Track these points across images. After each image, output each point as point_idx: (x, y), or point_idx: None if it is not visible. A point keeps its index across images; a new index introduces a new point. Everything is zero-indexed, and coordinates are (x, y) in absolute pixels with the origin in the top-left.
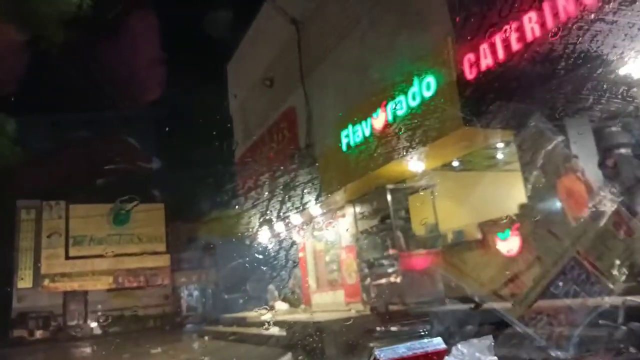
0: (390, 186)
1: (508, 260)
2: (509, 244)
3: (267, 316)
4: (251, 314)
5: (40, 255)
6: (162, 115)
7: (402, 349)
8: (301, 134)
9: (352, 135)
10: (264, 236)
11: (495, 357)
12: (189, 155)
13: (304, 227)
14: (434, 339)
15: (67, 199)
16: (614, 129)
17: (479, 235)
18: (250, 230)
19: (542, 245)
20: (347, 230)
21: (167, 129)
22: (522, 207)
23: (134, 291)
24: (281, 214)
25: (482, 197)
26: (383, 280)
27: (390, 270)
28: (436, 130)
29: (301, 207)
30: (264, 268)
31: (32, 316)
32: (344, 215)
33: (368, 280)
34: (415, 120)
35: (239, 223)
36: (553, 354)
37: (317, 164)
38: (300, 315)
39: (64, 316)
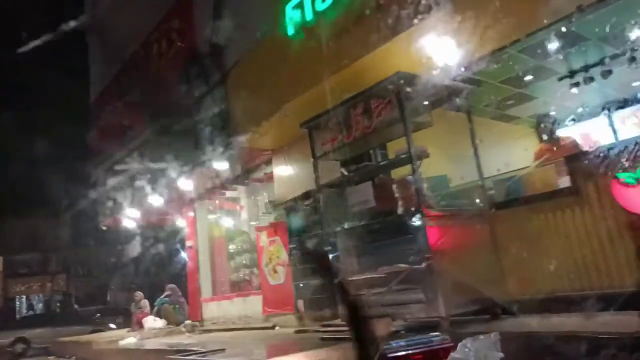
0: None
1: None
2: None
3: (127, 340)
4: (106, 336)
5: None
6: None
7: (409, 343)
8: (201, 35)
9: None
10: (132, 220)
11: (501, 354)
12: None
13: (197, 200)
14: (440, 334)
15: None
16: None
17: (559, 182)
18: (113, 213)
19: None
20: (267, 201)
21: None
22: None
23: None
24: (158, 181)
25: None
26: (356, 277)
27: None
28: None
29: (191, 166)
30: (132, 268)
31: None
32: (265, 177)
33: (308, 277)
34: None
35: (100, 207)
36: None
37: (226, 82)
38: (181, 339)
39: None
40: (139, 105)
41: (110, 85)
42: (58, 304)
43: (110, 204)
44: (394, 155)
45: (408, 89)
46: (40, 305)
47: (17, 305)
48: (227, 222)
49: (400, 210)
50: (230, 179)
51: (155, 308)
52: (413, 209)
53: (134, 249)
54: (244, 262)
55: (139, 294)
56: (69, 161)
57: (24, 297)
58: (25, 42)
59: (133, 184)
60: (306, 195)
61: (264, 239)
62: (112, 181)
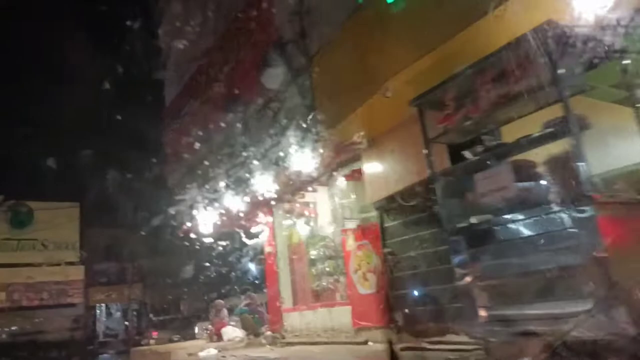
0: None
1: None
2: None
3: (207, 352)
4: (185, 346)
5: None
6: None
7: None
8: (282, 17)
9: None
10: (207, 226)
11: None
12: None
13: (276, 204)
14: None
15: None
16: None
17: None
18: (189, 220)
19: None
20: (351, 198)
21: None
22: None
23: (34, 311)
24: (236, 185)
25: None
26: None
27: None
28: None
29: (271, 166)
30: (208, 275)
31: None
32: (352, 175)
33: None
34: None
35: (176, 215)
36: None
37: (311, 68)
38: (264, 353)
39: None
40: (216, 104)
41: (186, 88)
42: (134, 313)
43: (186, 211)
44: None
45: (561, 44)
46: (118, 314)
47: (98, 313)
48: (307, 227)
49: (554, 197)
50: (313, 178)
51: (234, 317)
52: (573, 194)
53: (210, 257)
54: (327, 269)
55: (219, 303)
56: (146, 170)
57: (104, 305)
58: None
59: (210, 189)
60: (408, 190)
61: (350, 243)
62: (188, 187)
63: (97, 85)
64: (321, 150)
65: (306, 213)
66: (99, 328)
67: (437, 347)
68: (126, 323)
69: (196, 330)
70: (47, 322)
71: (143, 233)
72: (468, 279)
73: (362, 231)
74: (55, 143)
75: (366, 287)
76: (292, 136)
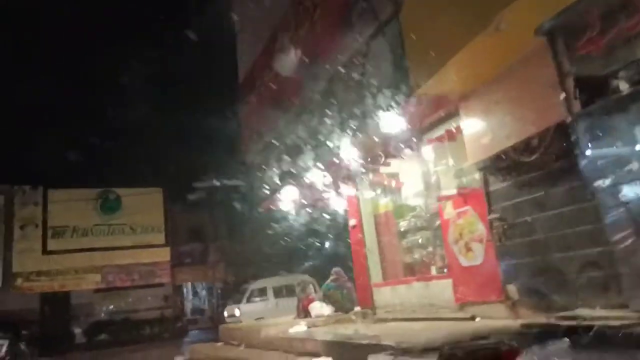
0: None
1: None
2: None
3: (297, 328)
4: (273, 323)
5: (12, 250)
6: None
7: (474, 346)
8: None
9: None
10: (287, 202)
11: None
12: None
13: (359, 173)
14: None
15: (44, 183)
16: None
17: None
18: (270, 196)
19: None
20: (447, 162)
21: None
22: None
23: (127, 291)
24: (317, 155)
25: None
26: None
27: None
28: None
29: (358, 130)
30: (291, 251)
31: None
32: (446, 136)
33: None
34: None
35: (256, 192)
36: None
37: (401, 14)
38: (359, 329)
39: (42, 323)
40: (295, 70)
41: (260, 58)
42: (219, 291)
43: (266, 186)
44: None
45: None
46: (204, 292)
47: (184, 292)
48: (394, 197)
49: None
50: (402, 142)
51: (321, 294)
52: None
53: (292, 232)
54: (419, 241)
55: (305, 279)
56: (223, 149)
57: (190, 284)
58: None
59: (289, 162)
60: (522, 145)
61: (449, 211)
62: (266, 163)
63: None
64: (412, 109)
65: (393, 182)
66: (187, 306)
67: (570, 323)
68: (213, 301)
69: (225, 314)
70: (139, 301)
71: (224, 213)
72: (628, 240)
73: (463, 197)
74: (136, 131)
75: (470, 259)
76: (379, 96)
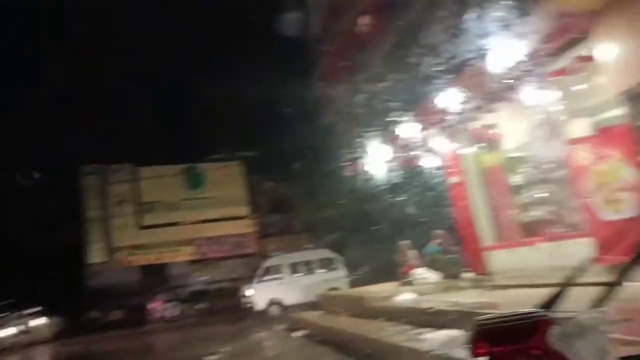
0: None
1: None
2: None
3: (404, 296)
4: (375, 291)
5: (111, 225)
6: None
7: (503, 317)
8: None
9: None
10: (377, 162)
11: (609, 332)
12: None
13: (460, 122)
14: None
15: (133, 161)
16: None
17: None
18: (355, 157)
19: None
20: (576, 96)
21: None
22: None
23: (218, 262)
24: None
25: None
26: None
27: None
28: None
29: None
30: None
31: (105, 295)
32: (571, 66)
33: None
34: None
35: (340, 154)
36: None
37: None
38: (471, 298)
39: (141, 294)
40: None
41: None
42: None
43: (353, 146)
44: None
45: None
46: None
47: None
48: (504, 148)
49: None
50: (515, 77)
51: (424, 259)
52: None
53: (382, 195)
54: (539, 195)
55: (405, 244)
56: (303, 117)
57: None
58: None
59: (378, 116)
60: None
61: (584, 155)
62: (352, 120)
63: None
64: (533, 31)
65: (498, 132)
66: None
67: None
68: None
69: (247, 292)
70: (230, 271)
71: (308, 180)
72: None
73: (603, 137)
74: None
75: (615, 211)
76: (489, 20)
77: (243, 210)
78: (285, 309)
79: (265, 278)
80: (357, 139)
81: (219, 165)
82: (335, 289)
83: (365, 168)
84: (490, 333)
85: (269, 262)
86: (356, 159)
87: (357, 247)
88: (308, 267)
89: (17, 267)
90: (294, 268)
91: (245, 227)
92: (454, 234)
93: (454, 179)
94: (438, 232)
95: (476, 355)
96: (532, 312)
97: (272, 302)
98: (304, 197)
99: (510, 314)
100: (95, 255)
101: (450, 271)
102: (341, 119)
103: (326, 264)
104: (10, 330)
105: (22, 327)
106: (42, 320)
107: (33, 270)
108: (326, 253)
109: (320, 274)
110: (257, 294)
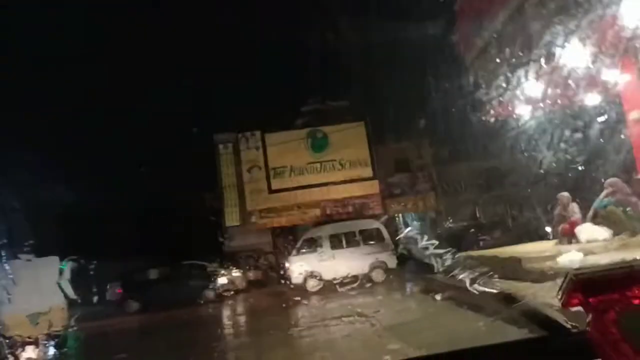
0: None
1: None
2: None
3: (569, 256)
4: (529, 251)
5: (244, 190)
6: None
7: (602, 268)
8: None
9: None
10: (526, 102)
11: None
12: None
13: None
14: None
15: (260, 128)
16: None
17: None
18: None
19: None
20: None
21: None
22: None
23: (344, 223)
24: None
25: None
26: None
27: None
28: None
29: None
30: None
31: (242, 256)
32: None
33: None
34: None
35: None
36: None
37: None
38: None
39: (275, 255)
40: None
41: None
42: (430, 221)
43: (496, 85)
44: None
45: None
46: (415, 223)
47: (396, 223)
48: None
49: None
50: None
51: (592, 213)
52: None
53: (529, 143)
54: None
55: (565, 196)
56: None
57: (401, 215)
58: None
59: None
60: None
61: None
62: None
63: None
64: None
65: None
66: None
67: None
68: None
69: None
70: None
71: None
72: None
73: None
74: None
75: None
76: None
77: (367, 171)
78: (324, 283)
79: (303, 250)
80: (501, 76)
81: (341, 127)
82: (382, 262)
83: (513, 110)
84: (585, 283)
85: (308, 234)
86: (501, 99)
87: (494, 204)
88: (350, 239)
89: (174, 232)
90: (336, 240)
91: (369, 188)
92: (634, 182)
93: (635, 114)
94: (611, 180)
95: (569, 305)
96: (633, 263)
97: (310, 275)
98: (429, 155)
99: (610, 265)
100: (232, 218)
101: (627, 226)
102: (482, 56)
103: (371, 236)
104: (224, 280)
105: (229, 277)
106: (237, 273)
107: (185, 233)
108: (373, 224)
109: (365, 247)
110: (293, 267)
